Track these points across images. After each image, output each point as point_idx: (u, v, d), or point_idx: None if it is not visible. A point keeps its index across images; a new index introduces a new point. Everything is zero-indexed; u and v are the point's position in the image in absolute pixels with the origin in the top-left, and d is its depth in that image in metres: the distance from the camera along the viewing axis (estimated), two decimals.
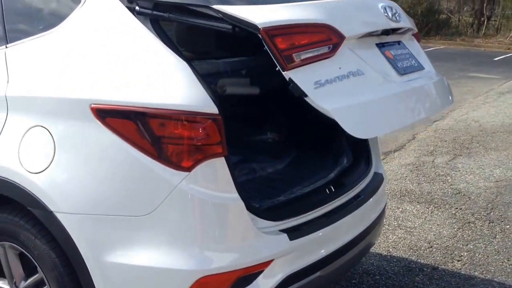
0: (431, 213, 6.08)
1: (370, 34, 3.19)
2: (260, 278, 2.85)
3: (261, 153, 4.10)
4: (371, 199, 3.66)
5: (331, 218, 3.27)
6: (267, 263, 2.86)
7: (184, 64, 2.68)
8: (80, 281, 2.87)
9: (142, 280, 2.75)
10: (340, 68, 2.86)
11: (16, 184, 2.91)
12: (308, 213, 3.19)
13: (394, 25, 3.34)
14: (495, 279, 4.68)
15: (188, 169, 2.64)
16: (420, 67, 3.53)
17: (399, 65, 3.30)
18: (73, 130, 2.78)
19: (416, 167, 7.75)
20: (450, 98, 3.65)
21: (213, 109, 2.65)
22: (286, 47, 2.67)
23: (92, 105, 2.71)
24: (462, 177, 7.38)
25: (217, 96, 2.71)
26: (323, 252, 3.17)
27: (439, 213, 6.07)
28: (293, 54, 2.67)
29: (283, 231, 2.97)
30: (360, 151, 3.95)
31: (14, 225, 3.01)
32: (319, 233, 3.14)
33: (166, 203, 2.65)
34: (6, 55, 3.11)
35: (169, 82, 2.67)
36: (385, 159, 8.04)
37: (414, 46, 3.66)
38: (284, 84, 3.78)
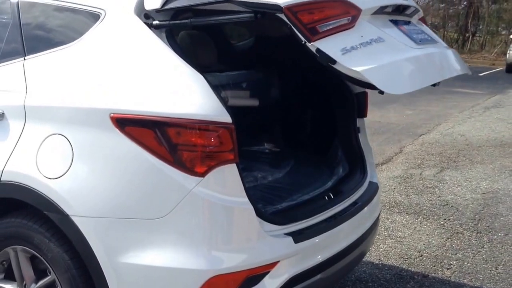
0: (420, 223, 6.24)
1: (382, 11, 3.35)
2: (266, 278, 3.01)
3: (261, 162, 4.25)
4: (366, 207, 3.82)
5: (331, 224, 3.44)
6: (273, 264, 3.02)
7: (199, 76, 2.86)
8: (94, 282, 2.99)
9: (155, 279, 2.88)
10: (362, 36, 3.02)
11: (33, 190, 3.04)
12: (310, 218, 3.36)
13: (405, 2, 3.55)
14: (483, 287, 4.84)
15: (202, 175, 2.80)
16: (433, 41, 3.68)
17: (414, 36, 3.45)
18: (91, 138, 2.94)
19: (404, 179, 7.91)
20: (467, 68, 3.79)
21: (226, 118, 2.83)
22: (309, 21, 2.84)
23: (112, 114, 2.86)
24: (450, 189, 7.56)
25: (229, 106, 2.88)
26: (324, 256, 3.33)
27: (428, 224, 6.23)
28: (317, 26, 2.85)
29: (288, 234, 3.14)
30: (355, 161, 4.11)
31: (28, 229, 3.14)
32: (321, 237, 3.32)
33: (180, 206, 2.81)
34: (25, 67, 3.26)
35: (186, 93, 2.85)
36: None
37: (423, 27, 3.83)
38: (282, 96, 3.95)
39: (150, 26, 2.98)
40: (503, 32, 34.31)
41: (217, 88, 2.96)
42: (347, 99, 4.15)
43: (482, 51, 32.86)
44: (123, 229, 2.89)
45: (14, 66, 3.32)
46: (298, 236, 3.17)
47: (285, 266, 3.08)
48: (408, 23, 3.64)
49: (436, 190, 7.49)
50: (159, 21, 2.98)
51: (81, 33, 3.17)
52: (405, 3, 3.57)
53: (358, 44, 2.95)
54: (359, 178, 3.99)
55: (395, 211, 6.62)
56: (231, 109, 2.88)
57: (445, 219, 6.40)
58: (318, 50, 2.80)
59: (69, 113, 3.02)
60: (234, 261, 2.91)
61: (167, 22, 2.98)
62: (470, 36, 34.28)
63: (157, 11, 2.97)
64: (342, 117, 4.21)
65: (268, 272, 3.02)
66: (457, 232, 6.01)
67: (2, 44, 3.47)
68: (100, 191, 2.92)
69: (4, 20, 3.54)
